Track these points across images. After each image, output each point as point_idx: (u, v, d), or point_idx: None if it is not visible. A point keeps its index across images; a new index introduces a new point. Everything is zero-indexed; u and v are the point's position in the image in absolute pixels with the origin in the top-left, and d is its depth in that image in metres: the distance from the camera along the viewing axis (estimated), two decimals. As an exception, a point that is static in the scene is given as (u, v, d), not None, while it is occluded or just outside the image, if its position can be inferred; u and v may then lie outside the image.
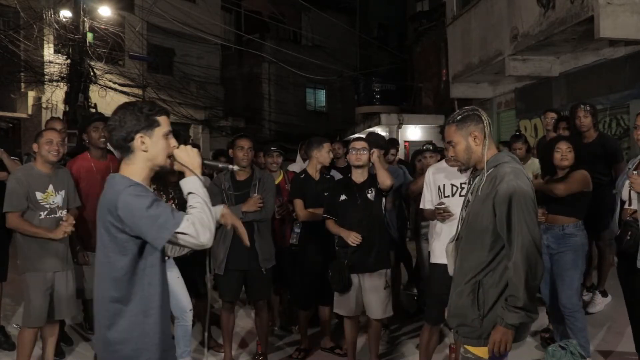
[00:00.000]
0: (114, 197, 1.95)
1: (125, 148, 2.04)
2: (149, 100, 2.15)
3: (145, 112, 2.04)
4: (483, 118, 2.43)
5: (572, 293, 3.88)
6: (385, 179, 3.84)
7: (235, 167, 2.52)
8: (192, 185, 2.04)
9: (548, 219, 3.92)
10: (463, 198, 3.33)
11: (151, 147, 2.04)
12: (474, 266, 2.39)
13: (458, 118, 2.46)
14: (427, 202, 3.73)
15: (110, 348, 2.04)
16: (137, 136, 2.02)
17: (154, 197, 1.97)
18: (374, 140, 4.85)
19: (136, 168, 2.05)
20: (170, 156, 2.09)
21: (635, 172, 3.33)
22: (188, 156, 2.09)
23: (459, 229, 2.54)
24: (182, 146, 2.11)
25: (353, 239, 3.81)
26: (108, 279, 2.02)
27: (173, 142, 2.10)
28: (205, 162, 2.22)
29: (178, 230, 1.91)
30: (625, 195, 3.42)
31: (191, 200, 2.01)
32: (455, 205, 3.42)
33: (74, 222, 3.72)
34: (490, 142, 2.42)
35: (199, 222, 1.94)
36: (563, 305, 3.90)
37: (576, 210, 3.89)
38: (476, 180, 2.46)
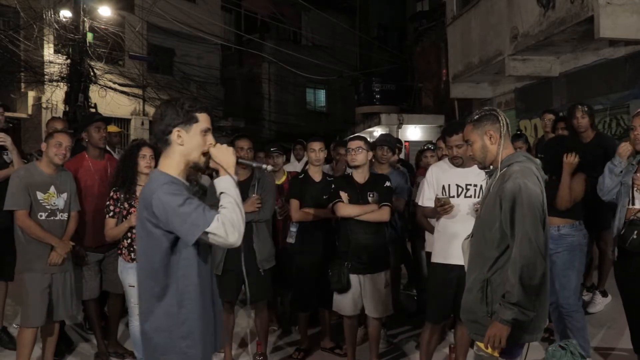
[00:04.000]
0: (150, 195, 2.03)
1: (164, 141, 2.12)
2: (192, 97, 2.21)
3: (186, 107, 2.11)
4: (500, 118, 2.49)
5: (569, 293, 3.88)
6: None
7: (269, 167, 2.52)
8: (225, 185, 2.08)
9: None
10: (468, 199, 3.37)
11: (187, 142, 2.10)
12: (482, 262, 2.46)
13: (475, 117, 2.54)
14: (427, 199, 3.71)
15: (146, 336, 2.13)
16: (175, 130, 2.10)
17: (187, 195, 2.02)
18: (387, 141, 4.86)
19: (172, 162, 2.12)
20: (206, 154, 2.14)
21: (638, 174, 3.34)
22: (223, 155, 2.13)
23: (475, 226, 2.63)
24: (218, 144, 2.15)
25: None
26: (146, 271, 2.12)
27: (210, 139, 2.15)
28: (240, 161, 2.24)
29: (208, 230, 1.96)
30: (628, 194, 3.43)
31: (223, 200, 2.05)
32: (461, 205, 3.42)
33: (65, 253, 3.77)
34: (506, 142, 2.48)
35: (229, 222, 1.97)
36: (561, 305, 3.91)
37: (571, 212, 3.89)
38: (491, 178, 2.54)
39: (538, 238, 2.29)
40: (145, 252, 2.11)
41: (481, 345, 2.44)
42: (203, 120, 2.14)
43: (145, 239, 2.08)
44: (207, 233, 1.96)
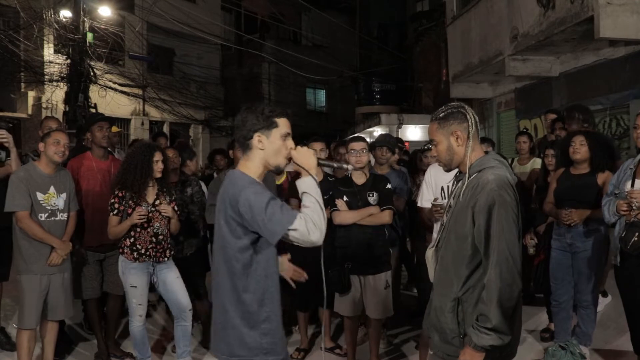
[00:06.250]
0: (237, 193, 2.08)
1: (245, 145, 2.19)
2: (272, 103, 2.25)
3: (266, 113, 2.17)
4: (468, 116, 2.21)
5: (593, 288, 3.98)
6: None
7: (350, 167, 2.53)
8: (307, 186, 2.14)
9: (580, 214, 3.89)
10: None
11: (267, 146, 2.17)
12: (452, 280, 2.22)
13: (440, 115, 2.26)
14: (426, 201, 3.71)
15: (227, 332, 2.17)
16: (255, 135, 2.16)
17: (271, 196, 2.09)
18: (387, 142, 4.86)
19: (253, 165, 2.19)
20: (287, 157, 2.21)
21: (632, 188, 3.32)
22: (304, 157, 2.19)
23: (439, 235, 2.37)
24: (299, 147, 2.21)
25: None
26: (225, 269, 2.15)
27: (290, 143, 2.21)
28: (321, 162, 2.30)
29: (290, 227, 2.02)
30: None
31: (305, 200, 2.12)
32: None
33: (67, 253, 3.78)
34: (475, 143, 2.21)
35: (310, 220, 2.04)
36: (582, 300, 4.00)
37: (596, 205, 3.87)
38: (459, 184, 2.29)
39: (515, 256, 2.07)
40: (225, 251, 2.15)
41: None
42: (283, 124, 2.19)
43: (228, 237, 2.12)
44: (289, 231, 2.02)
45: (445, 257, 2.27)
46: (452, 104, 2.31)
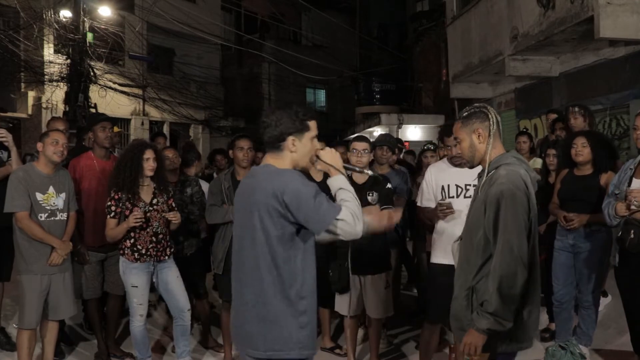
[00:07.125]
0: (282, 184, 2.08)
1: (276, 146, 2.20)
2: (303, 105, 2.29)
3: (300, 116, 2.19)
4: (490, 116, 2.37)
5: (595, 287, 4.00)
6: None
7: (370, 172, 2.58)
8: (341, 182, 2.19)
9: (581, 220, 3.90)
10: (468, 199, 3.34)
11: (300, 149, 2.20)
12: (468, 269, 2.37)
13: (464, 114, 2.43)
14: (426, 200, 3.70)
15: (264, 325, 2.15)
16: (290, 138, 2.18)
17: (318, 188, 2.11)
18: (387, 141, 4.86)
19: (283, 163, 2.20)
20: (314, 158, 2.25)
21: (631, 188, 3.32)
22: (332, 157, 2.24)
23: (463, 229, 2.54)
24: (327, 148, 2.27)
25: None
26: (265, 261, 2.14)
27: (317, 144, 2.25)
28: (345, 165, 2.36)
29: (338, 217, 2.05)
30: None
31: (342, 195, 2.14)
32: (460, 206, 3.40)
33: (67, 253, 3.76)
34: (495, 141, 2.37)
35: (354, 212, 2.08)
36: (584, 300, 4.00)
37: (599, 206, 3.88)
38: (480, 180, 2.44)
39: (521, 247, 2.19)
40: (265, 243, 2.12)
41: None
42: (313, 127, 2.22)
43: (269, 229, 2.10)
44: (337, 221, 2.04)
45: (464, 248, 2.43)
46: (476, 104, 2.47)
